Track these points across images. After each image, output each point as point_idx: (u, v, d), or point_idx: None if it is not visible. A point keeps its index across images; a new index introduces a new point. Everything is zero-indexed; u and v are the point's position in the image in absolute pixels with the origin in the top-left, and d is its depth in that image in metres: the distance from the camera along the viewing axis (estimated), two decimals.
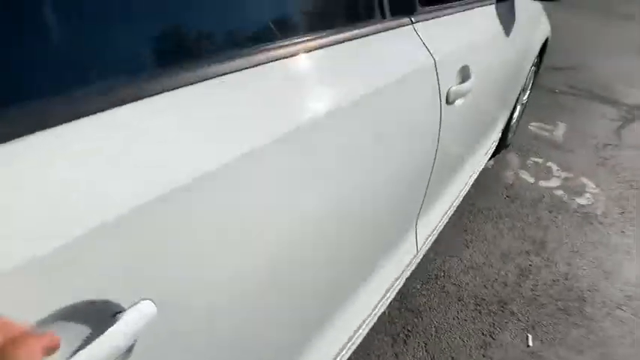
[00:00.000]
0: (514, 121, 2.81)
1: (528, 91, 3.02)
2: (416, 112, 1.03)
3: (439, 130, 1.16)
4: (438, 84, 1.09)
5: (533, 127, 3.51)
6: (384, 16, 0.97)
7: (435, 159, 1.23)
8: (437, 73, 1.07)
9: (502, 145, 2.85)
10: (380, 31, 0.94)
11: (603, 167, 3.06)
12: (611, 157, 3.21)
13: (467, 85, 1.25)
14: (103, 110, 0.48)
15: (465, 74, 1.26)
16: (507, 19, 1.75)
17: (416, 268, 1.86)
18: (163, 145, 0.52)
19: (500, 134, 2.50)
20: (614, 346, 1.79)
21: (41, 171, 0.42)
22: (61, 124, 0.45)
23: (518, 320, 1.82)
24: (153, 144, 0.52)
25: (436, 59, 1.07)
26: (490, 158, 2.85)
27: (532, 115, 3.61)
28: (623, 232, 2.45)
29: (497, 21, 1.62)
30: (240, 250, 0.62)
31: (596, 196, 2.72)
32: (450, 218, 2.02)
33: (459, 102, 1.24)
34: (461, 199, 1.96)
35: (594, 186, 2.82)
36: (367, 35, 0.90)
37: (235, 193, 0.60)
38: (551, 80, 4.57)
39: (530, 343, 1.73)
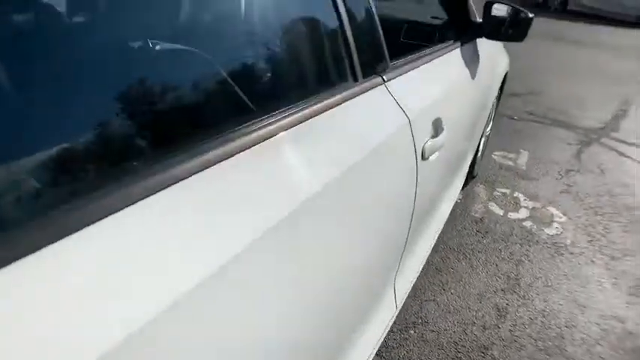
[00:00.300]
0: (479, 153, 2.82)
1: (491, 123, 3.05)
2: (394, 174, 0.98)
3: (416, 188, 1.12)
4: (414, 143, 1.04)
5: (497, 156, 3.54)
6: (356, 79, 0.92)
7: (412, 216, 1.18)
8: (412, 132, 1.03)
9: (469, 176, 2.86)
10: (354, 96, 0.89)
11: (568, 194, 3.10)
12: (574, 183, 3.26)
13: (441, 138, 1.21)
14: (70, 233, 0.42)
15: (438, 126, 1.22)
16: (472, 61, 1.74)
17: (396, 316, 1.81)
18: (145, 261, 0.47)
19: (467, 170, 2.49)
20: None
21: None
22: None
23: None
24: (134, 261, 0.46)
25: (410, 118, 1.03)
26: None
27: (495, 144, 3.66)
28: (593, 261, 2.46)
29: (463, 65, 1.61)
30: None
31: (564, 225, 2.74)
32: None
33: (433, 157, 1.20)
34: (435, 241, 1.93)
35: (561, 215, 2.85)
36: (341, 103, 0.84)
37: (231, 295, 0.56)
38: (510, 107, 4.67)
39: None
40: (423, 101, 1.15)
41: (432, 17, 2.17)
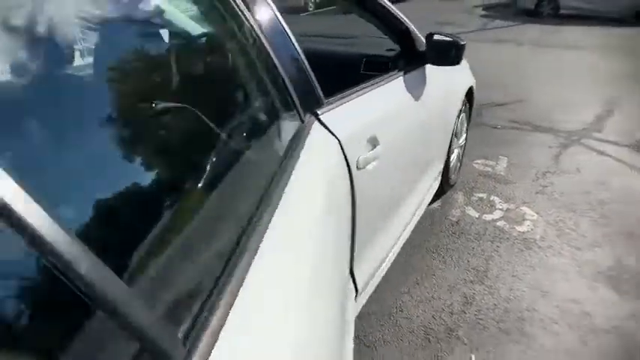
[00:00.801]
0: (452, 163, 3.11)
1: (464, 134, 3.34)
2: (329, 185, 1.29)
3: (353, 191, 1.42)
4: (345, 157, 1.36)
5: (477, 164, 3.82)
6: (299, 119, 1.25)
7: (354, 216, 1.48)
8: (342, 150, 1.34)
9: (446, 186, 3.14)
10: (296, 135, 1.21)
11: (542, 195, 3.36)
12: (550, 184, 3.51)
13: (376, 151, 1.53)
14: None
15: (373, 142, 1.54)
16: (418, 85, 2.06)
17: (374, 307, 2.16)
18: None
19: (437, 179, 2.79)
20: (550, 357, 2.02)
21: None
22: None
23: (464, 344, 2.05)
24: None
25: (340, 139, 1.35)
26: (436, 199, 3.14)
27: (475, 153, 3.94)
28: (560, 253, 2.71)
29: (405, 90, 1.93)
30: None
31: (535, 223, 3.00)
32: (402, 259, 2.29)
33: (370, 166, 1.52)
34: (403, 240, 2.22)
35: (533, 213, 3.11)
36: (287, 143, 1.16)
37: None
38: (494, 117, 4.94)
39: None
40: (356, 125, 1.48)
41: (387, 50, 2.50)
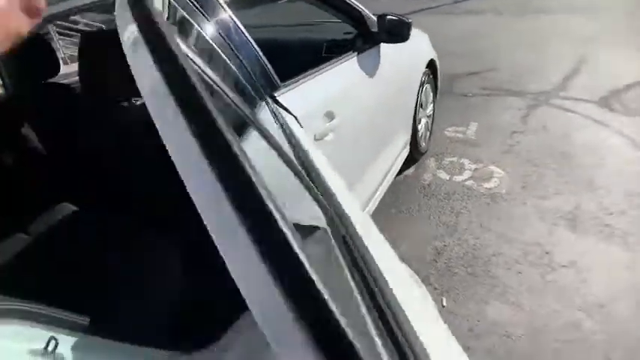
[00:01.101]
0: (421, 132, 3.34)
1: (431, 104, 3.57)
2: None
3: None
4: (303, 130, 1.60)
5: (449, 131, 4.04)
6: (254, 105, 1.48)
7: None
8: (299, 124, 1.58)
9: (417, 153, 3.38)
10: (260, 116, 1.44)
11: (509, 153, 3.60)
12: (517, 143, 3.75)
13: (333, 123, 1.77)
14: None
15: (329, 116, 1.78)
16: (371, 63, 2.29)
17: None
18: None
19: (405, 147, 3.03)
20: (514, 293, 2.28)
21: None
22: None
23: (435, 289, 2.31)
24: None
25: (297, 115, 1.58)
26: (410, 166, 3.38)
27: (447, 121, 4.16)
28: (524, 203, 2.97)
29: (359, 68, 2.17)
30: None
31: (501, 179, 3.24)
32: (376, 221, 2.52)
33: (328, 137, 1.76)
34: (374, 203, 2.47)
35: (500, 171, 3.35)
36: (251, 124, 1.39)
37: None
38: (466, 86, 5.14)
39: (445, 304, 2.22)
40: (311, 102, 1.71)
41: (345, 33, 2.72)
